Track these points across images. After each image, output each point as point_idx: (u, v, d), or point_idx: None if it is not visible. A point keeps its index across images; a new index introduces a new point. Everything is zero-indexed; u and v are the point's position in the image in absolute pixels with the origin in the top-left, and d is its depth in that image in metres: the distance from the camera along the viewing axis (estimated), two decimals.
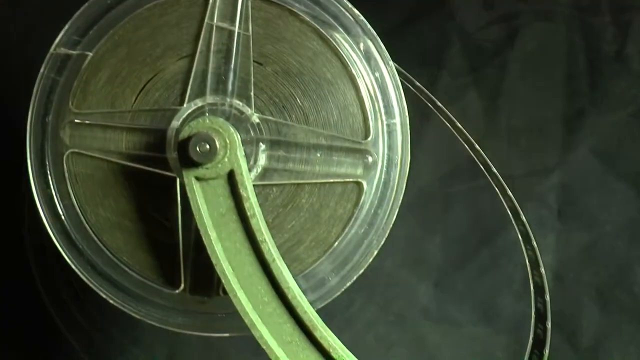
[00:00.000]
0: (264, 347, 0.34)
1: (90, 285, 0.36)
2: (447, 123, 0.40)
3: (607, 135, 0.66)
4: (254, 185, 0.34)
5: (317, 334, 0.34)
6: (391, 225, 0.36)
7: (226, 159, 0.33)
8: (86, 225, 0.36)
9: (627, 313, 0.65)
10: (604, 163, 0.66)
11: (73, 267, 0.36)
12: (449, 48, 0.65)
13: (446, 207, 0.66)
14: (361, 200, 0.36)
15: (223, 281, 0.34)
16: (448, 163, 0.66)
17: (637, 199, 0.65)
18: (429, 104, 0.40)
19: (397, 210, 0.36)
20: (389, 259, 0.68)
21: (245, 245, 0.34)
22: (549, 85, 0.66)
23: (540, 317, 0.37)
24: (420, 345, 0.66)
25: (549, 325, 0.37)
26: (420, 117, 0.65)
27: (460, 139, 0.40)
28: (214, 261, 0.34)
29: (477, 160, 0.41)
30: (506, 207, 0.44)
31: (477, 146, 0.39)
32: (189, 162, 0.33)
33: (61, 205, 0.36)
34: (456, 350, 0.68)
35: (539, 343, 0.37)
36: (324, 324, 0.34)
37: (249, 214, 0.33)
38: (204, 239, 0.34)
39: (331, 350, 0.34)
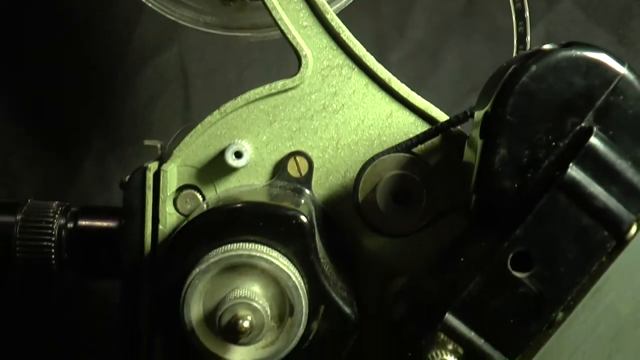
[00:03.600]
0: (283, 28, 0.40)
1: None
2: None
3: None
4: None
5: (328, 17, 0.40)
6: None
7: None
8: None
9: None
10: (586, 13, 0.71)
11: None
12: None
13: (439, 58, 0.71)
14: None
15: None
16: (442, 16, 0.72)
17: (617, 45, 0.71)
18: None
19: None
20: None
21: None
22: None
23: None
24: None
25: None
26: None
27: None
28: None
29: None
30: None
31: None
32: None
33: None
34: None
35: None
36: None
37: None
38: None
39: (340, 32, 0.40)
